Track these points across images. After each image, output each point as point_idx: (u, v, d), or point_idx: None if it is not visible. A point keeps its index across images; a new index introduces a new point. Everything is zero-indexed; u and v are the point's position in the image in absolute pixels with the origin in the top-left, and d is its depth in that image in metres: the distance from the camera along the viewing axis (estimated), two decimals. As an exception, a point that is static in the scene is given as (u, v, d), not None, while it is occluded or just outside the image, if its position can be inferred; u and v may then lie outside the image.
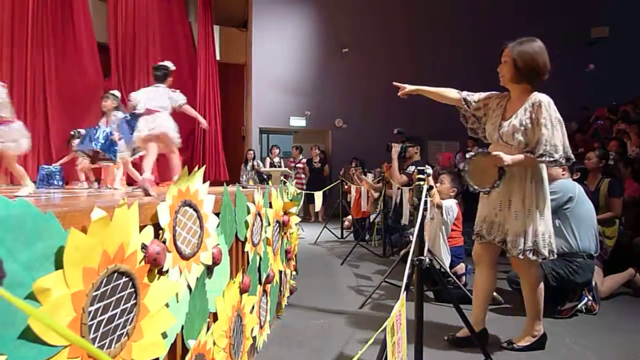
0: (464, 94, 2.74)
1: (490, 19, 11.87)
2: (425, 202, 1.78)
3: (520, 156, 2.38)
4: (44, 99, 7.86)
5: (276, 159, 9.93)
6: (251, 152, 10.00)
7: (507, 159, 2.33)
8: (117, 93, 4.66)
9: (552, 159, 2.30)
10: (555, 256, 2.54)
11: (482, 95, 2.69)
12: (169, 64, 3.49)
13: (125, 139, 4.05)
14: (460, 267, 4.08)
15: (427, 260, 1.88)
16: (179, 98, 3.42)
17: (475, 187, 2.43)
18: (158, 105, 3.22)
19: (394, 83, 2.85)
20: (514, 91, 2.53)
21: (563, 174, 3.42)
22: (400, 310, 1.45)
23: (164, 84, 3.40)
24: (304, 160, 10.65)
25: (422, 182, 1.86)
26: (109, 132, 3.72)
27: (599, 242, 3.47)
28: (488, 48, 10.38)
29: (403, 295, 1.46)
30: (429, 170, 1.90)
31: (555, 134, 2.31)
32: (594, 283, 3.46)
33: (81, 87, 8.38)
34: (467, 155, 2.53)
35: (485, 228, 2.59)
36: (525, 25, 11.39)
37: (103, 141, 3.62)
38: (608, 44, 11.97)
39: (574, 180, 3.52)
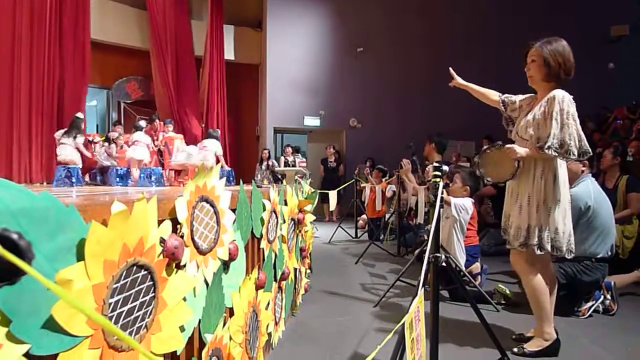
0: (504, 96, 2.77)
1: (507, 18, 11.76)
2: (442, 199, 1.77)
3: (533, 150, 2.39)
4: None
5: (290, 158, 9.92)
6: (266, 151, 10.01)
7: (521, 151, 2.35)
8: None
9: (556, 153, 2.28)
10: (572, 255, 2.50)
11: (521, 97, 2.71)
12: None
13: None
14: (476, 267, 4.05)
15: (443, 257, 1.87)
16: None
17: (489, 179, 2.45)
18: None
19: (450, 69, 2.90)
20: (542, 90, 2.53)
21: (583, 170, 3.37)
22: (419, 306, 1.45)
23: None
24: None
25: (438, 180, 1.85)
26: None
27: (614, 245, 3.42)
28: (505, 48, 10.30)
29: (421, 291, 1.46)
30: (445, 167, 1.89)
31: (564, 129, 2.29)
32: (612, 282, 3.41)
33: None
34: (483, 149, 2.54)
35: (504, 222, 2.63)
36: (544, 25, 11.33)
37: None
38: (628, 42, 11.77)
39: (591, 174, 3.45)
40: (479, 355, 2.53)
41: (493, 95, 2.81)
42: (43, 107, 7.86)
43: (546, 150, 2.28)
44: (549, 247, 2.41)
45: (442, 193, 1.82)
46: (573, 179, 3.42)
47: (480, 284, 3.88)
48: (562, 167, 2.46)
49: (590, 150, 2.36)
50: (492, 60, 11.05)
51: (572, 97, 2.40)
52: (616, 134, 9.29)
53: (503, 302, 3.54)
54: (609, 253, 3.33)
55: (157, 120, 7.48)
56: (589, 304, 3.30)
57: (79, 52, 8.48)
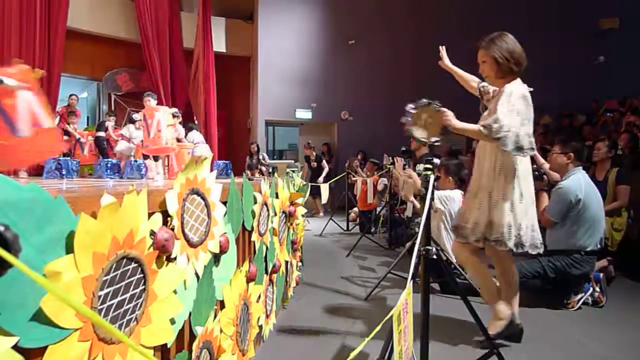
0: (481, 85, 2.76)
1: (501, 10, 11.77)
2: (432, 192, 1.78)
3: (468, 125, 2.38)
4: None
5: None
6: (254, 145, 9.88)
7: (454, 122, 2.36)
8: None
9: (487, 132, 2.25)
10: (537, 251, 2.48)
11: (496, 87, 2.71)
12: None
13: None
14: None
15: (434, 250, 1.88)
16: None
17: (417, 136, 2.46)
18: None
19: (441, 48, 2.91)
20: (500, 87, 2.53)
21: (568, 163, 3.38)
22: (407, 299, 1.45)
23: None
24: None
25: (429, 173, 1.86)
26: None
27: (603, 238, 3.45)
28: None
29: (410, 283, 1.47)
30: (437, 160, 1.90)
31: (508, 117, 2.27)
32: (601, 275, 3.45)
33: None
34: (415, 104, 2.51)
35: (459, 217, 2.66)
36: (534, 19, 11.36)
37: None
38: (617, 35, 11.83)
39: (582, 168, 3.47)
40: (469, 348, 2.55)
41: (473, 82, 2.81)
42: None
43: (482, 128, 2.27)
44: (511, 244, 2.39)
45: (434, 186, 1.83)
46: (561, 171, 3.45)
47: (470, 276, 3.91)
48: (522, 162, 2.43)
49: (532, 148, 2.33)
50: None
51: (526, 92, 2.37)
52: (606, 126, 9.37)
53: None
54: (599, 246, 3.37)
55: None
56: (579, 296, 3.34)
57: (52, 40, 8.33)
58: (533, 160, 3.73)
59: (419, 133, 2.46)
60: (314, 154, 10.03)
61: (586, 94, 10.76)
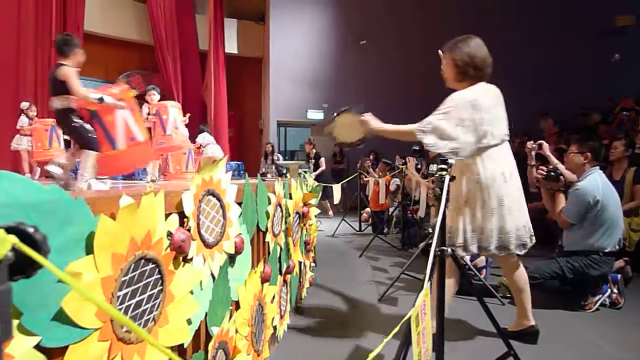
0: None
1: (511, 9, 11.66)
2: (448, 192, 1.77)
3: (389, 126, 2.43)
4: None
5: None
6: (269, 145, 9.92)
7: (374, 125, 2.43)
8: None
9: (422, 135, 2.26)
10: (524, 251, 2.45)
11: None
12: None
13: None
14: (480, 260, 4.04)
15: (449, 251, 1.87)
16: None
17: (339, 141, 2.56)
18: None
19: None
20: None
21: (585, 163, 3.34)
22: (425, 300, 1.44)
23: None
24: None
25: (444, 173, 1.85)
26: None
27: (621, 238, 3.40)
28: (509, 37, 10.23)
29: (427, 284, 1.46)
30: (452, 160, 1.88)
31: (440, 120, 2.26)
32: (619, 276, 3.40)
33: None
34: (338, 111, 2.62)
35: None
36: (548, 17, 11.24)
37: None
38: (633, 33, 11.65)
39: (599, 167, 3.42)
40: (484, 349, 2.53)
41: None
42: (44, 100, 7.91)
43: (417, 132, 2.28)
44: (474, 249, 2.39)
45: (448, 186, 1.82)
46: (577, 171, 3.40)
47: (484, 277, 3.88)
48: (485, 164, 2.36)
49: (452, 154, 2.27)
50: (497, 50, 10.98)
51: (475, 97, 2.31)
52: (622, 125, 9.22)
53: (508, 295, 3.53)
54: (617, 247, 3.32)
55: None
56: (596, 297, 3.29)
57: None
58: (547, 160, 3.69)
59: (342, 137, 2.55)
60: (314, 151, 9.88)
61: (601, 92, 10.62)
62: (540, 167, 3.52)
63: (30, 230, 0.41)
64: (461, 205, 2.40)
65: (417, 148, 4.94)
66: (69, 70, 2.70)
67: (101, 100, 2.75)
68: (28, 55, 7.75)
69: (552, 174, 3.38)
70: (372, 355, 1.11)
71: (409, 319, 1.38)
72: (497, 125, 2.36)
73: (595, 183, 3.26)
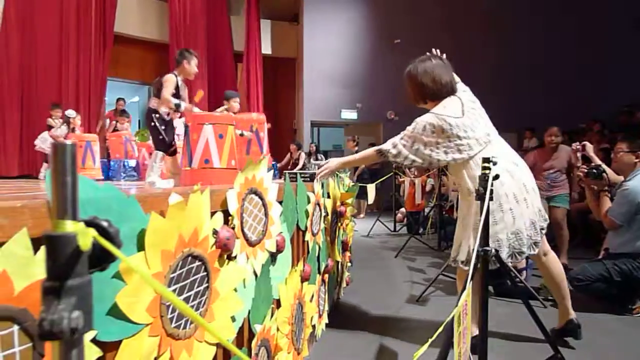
0: None
1: (553, 7, 11.35)
2: (492, 191, 1.72)
3: (355, 156, 2.66)
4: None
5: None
6: (313, 145, 9.89)
7: (334, 165, 2.51)
8: None
9: (381, 156, 2.42)
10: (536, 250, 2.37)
11: None
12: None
13: None
14: (521, 262, 3.94)
15: (493, 251, 1.82)
16: None
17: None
18: None
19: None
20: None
21: (636, 163, 3.21)
22: (467, 300, 1.42)
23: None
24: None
25: (487, 171, 1.80)
26: None
27: None
28: (552, 40, 9.92)
29: (469, 285, 1.43)
30: (496, 159, 1.84)
31: (400, 140, 2.38)
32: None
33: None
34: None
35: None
36: (586, 13, 10.88)
37: None
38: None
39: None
40: (528, 352, 2.46)
41: None
42: (90, 103, 8.19)
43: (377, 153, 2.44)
44: (463, 258, 2.37)
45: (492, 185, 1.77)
46: (626, 171, 3.28)
47: (525, 279, 3.78)
48: (471, 181, 2.29)
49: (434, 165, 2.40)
50: (537, 50, 10.74)
51: (436, 120, 2.30)
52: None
53: (550, 297, 3.42)
54: None
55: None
56: (644, 301, 3.16)
57: (99, 46, 8.73)
58: (589, 160, 3.56)
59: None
60: (356, 149, 9.79)
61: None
62: (582, 165, 3.41)
63: (105, 224, 0.42)
64: (462, 220, 2.40)
65: None
66: (168, 77, 3.01)
67: (178, 106, 2.97)
68: (70, 60, 8.03)
69: (594, 171, 3.26)
70: (417, 354, 1.09)
71: (452, 319, 1.36)
72: (476, 130, 2.31)
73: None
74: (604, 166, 3.43)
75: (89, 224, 0.41)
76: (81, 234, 0.39)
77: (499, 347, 2.51)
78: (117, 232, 0.42)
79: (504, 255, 2.27)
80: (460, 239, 2.41)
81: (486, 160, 1.85)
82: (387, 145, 2.42)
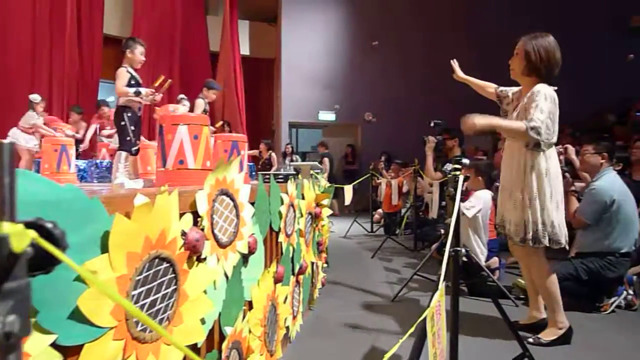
0: (499, 89, 2.76)
1: (521, 8, 11.56)
2: (462, 192, 1.75)
3: (497, 121, 2.38)
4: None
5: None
6: (289, 146, 9.89)
7: (481, 121, 2.28)
8: None
9: (537, 136, 2.27)
10: (563, 246, 2.48)
11: (514, 89, 2.70)
12: None
13: None
14: (494, 261, 4.01)
15: (464, 252, 1.85)
16: None
17: None
18: None
19: (452, 62, 2.96)
20: (524, 85, 2.54)
21: (602, 163, 3.29)
22: (440, 300, 1.43)
23: None
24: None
25: (458, 173, 1.83)
26: None
27: (638, 239, 3.35)
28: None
29: (442, 285, 1.44)
30: (466, 160, 1.86)
31: (545, 117, 2.29)
32: (634, 277, 3.35)
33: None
34: None
35: (499, 220, 2.68)
36: (562, 17, 11.11)
37: None
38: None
39: (616, 170, 3.37)
40: (498, 351, 2.50)
41: (490, 88, 2.82)
42: (63, 102, 8.01)
43: (529, 131, 2.25)
44: (545, 241, 2.41)
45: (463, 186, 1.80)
46: (592, 172, 3.36)
47: (498, 278, 3.84)
48: (550, 159, 2.42)
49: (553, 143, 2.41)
50: (508, 51, 10.89)
51: (554, 96, 2.37)
52: (637, 126, 9.09)
53: (522, 296, 3.49)
54: (633, 247, 3.27)
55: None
56: (612, 299, 3.24)
57: (89, 47, 8.60)
58: (571, 163, 3.65)
59: None
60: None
61: (616, 92, 10.47)
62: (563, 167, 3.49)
63: (49, 225, 0.41)
64: (531, 199, 2.41)
65: (439, 122, 4.83)
66: (118, 71, 2.82)
67: (138, 93, 2.81)
68: (43, 56, 7.85)
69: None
70: (387, 355, 1.10)
71: (424, 319, 1.37)
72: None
73: (611, 183, 3.22)
74: (572, 167, 3.52)
75: (30, 225, 0.40)
76: (16, 236, 0.38)
77: (471, 345, 2.54)
78: (63, 234, 0.41)
79: (545, 241, 2.40)
80: (517, 218, 2.46)
81: (458, 162, 1.88)
82: (532, 129, 2.26)
